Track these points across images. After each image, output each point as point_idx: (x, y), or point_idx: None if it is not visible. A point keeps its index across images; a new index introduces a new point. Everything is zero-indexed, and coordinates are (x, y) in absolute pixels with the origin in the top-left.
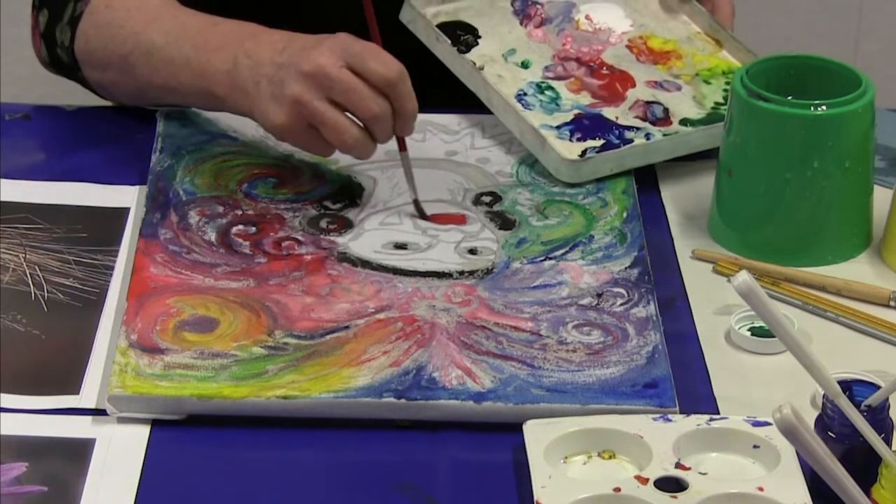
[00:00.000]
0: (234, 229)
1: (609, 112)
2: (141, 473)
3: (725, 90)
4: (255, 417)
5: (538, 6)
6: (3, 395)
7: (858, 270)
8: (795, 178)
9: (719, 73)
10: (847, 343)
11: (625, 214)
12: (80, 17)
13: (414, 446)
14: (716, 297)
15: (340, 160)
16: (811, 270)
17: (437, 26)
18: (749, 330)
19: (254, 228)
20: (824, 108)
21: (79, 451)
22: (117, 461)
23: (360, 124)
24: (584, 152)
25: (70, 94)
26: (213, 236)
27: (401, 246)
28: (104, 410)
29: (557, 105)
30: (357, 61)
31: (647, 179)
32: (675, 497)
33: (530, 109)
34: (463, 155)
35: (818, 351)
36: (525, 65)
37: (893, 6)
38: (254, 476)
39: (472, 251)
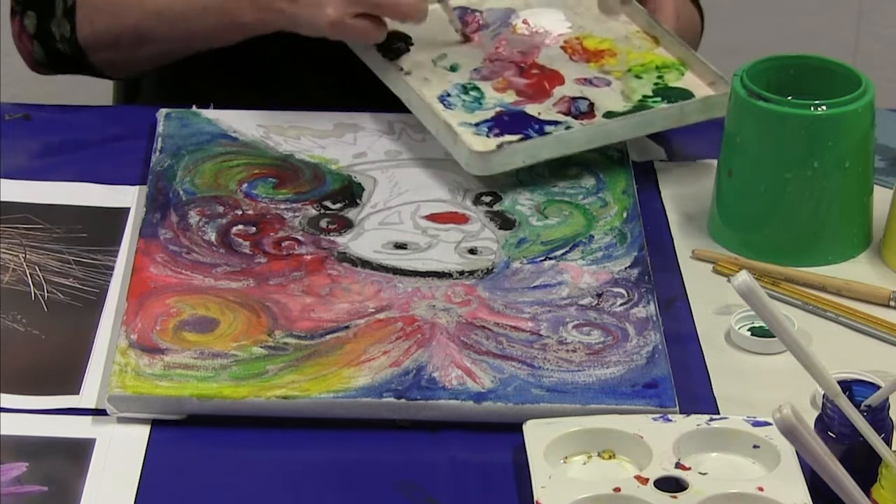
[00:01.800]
0: (234, 229)
1: (532, 109)
2: (141, 473)
3: (656, 83)
4: (255, 417)
5: (476, 13)
6: (3, 395)
7: (858, 270)
8: (795, 178)
9: (652, 68)
10: (847, 343)
11: (625, 214)
12: (73, 6)
13: (414, 446)
14: (716, 297)
15: (340, 160)
16: (811, 270)
17: None
18: (749, 330)
19: (254, 228)
20: (824, 108)
21: (79, 451)
22: (117, 461)
23: None
24: (500, 147)
25: (70, 94)
26: (213, 236)
27: (401, 246)
28: (104, 410)
29: (480, 104)
30: None
31: (647, 179)
32: (675, 497)
33: (451, 109)
34: None
35: (818, 351)
36: (453, 68)
37: (893, 6)
38: (254, 476)
39: (472, 251)
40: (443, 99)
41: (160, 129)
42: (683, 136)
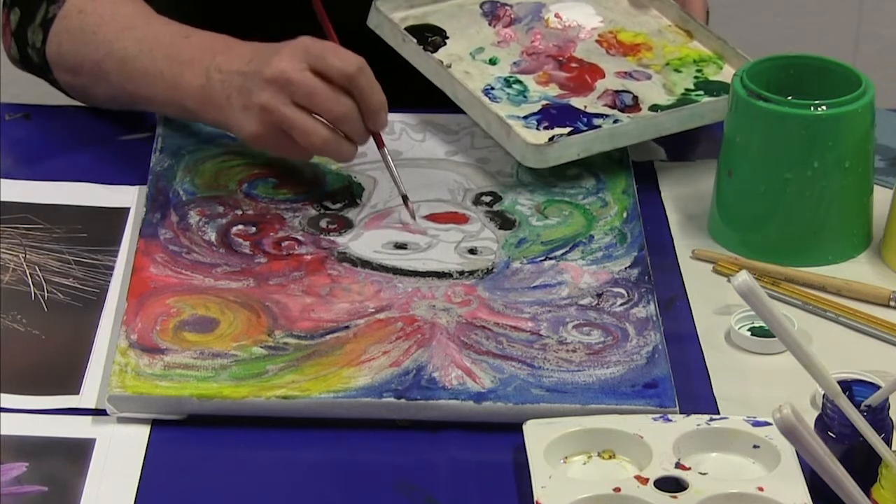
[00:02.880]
0: (234, 229)
1: (577, 102)
2: (141, 473)
3: (696, 77)
4: (255, 417)
5: (507, 7)
6: (2, 395)
7: (858, 270)
8: (795, 178)
9: (690, 62)
10: (847, 343)
11: (625, 214)
12: (52, 19)
13: (414, 446)
14: (716, 297)
15: None
16: (811, 270)
17: (405, 29)
18: (749, 330)
19: (254, 228)
20: (824, 108)
21: (79, 451)
22: (117, 461)
23: (331, 126)
24: (551, 139)
25: None
26: (213, 236)
27: (401, 246)
28: (104, 410)
29: (525, 97)
30: (317, 61)
31: (647, 179)
32: (675, 497)
33: (497, 102)
34: (463, 155)
35: (818, 351)
36: (493, 61)
37: (893, 6)
38: (254, 476)
39: (472, 251)
40: (487, 92)
41: (160, 128)
42: (683, 135)
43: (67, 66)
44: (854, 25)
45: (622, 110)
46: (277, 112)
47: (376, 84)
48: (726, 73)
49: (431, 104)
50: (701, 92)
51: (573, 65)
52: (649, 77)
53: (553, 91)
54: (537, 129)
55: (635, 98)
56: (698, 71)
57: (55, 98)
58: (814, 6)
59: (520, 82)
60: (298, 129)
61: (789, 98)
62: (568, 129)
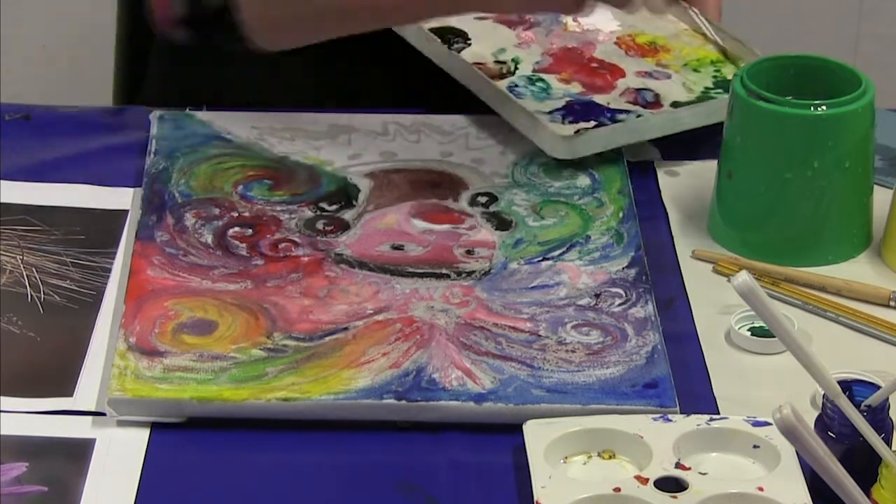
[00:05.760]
0: (231, 231)
1: (600, 98)
2: (141, 475)
3: (714, 76)
4: (255, 419)
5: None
6: None
7: (858, 270)
8: (795, 178)
9: (707, 63)
10: (847, 343)
11: (621, 214)
12: None
13: (414, 447)
14: (716, 297)
15: (335, 161)
16: (811, 270)
17: (429, 32)
18: (749, 330)
19: (250, 230)
20: (824, 108)
21: (79, 452)
22: (117, 462)
23: None
24: (579, 132)
25: (70, 95)
26: (209, 238)
27: (398, 247)
28: (103, 412)
29: (548, 94)
30: None
31: (646, 179)
32: (675, 497)
33: (521, 98)
34: (458, 156)
35: (818, 351)
36: (515, 61)
37: (893, 6)
38: (254, 478)
39: (470, 252)
40: (511, 89)
41: (154, 131)
42: (683, 136)
43: None
44: (854, 25)
45: (644, 107)
46: None
47: None
48: None
49: (431, 104)
50: (720, 90)
51: (593, 65)
52: (669, 76)
53: (575, 89)
54: (563, 123)
55: (656, 95)
56: (716, 71)
57: (55, 98)
58: (814, 6)
59: (543, 80)
60: None
61: (789, 98)
62: (593, 123)
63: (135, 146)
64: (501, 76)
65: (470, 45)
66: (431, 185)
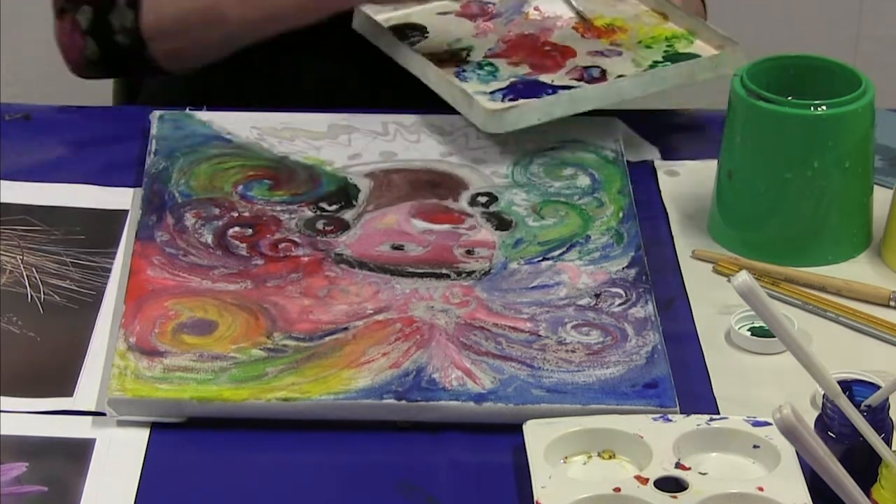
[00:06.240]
0: (231, 231)
1: (546, 78)
2: (141, 474)
3: (666, 51)
4: (255, 419)
5: (489, 5)
6: None
7: (858, 270)
8: (795, 178)
9: (661, 39)
10: (847, 343)
11: (621, 214)
12: None
13: (414, 447)
14: (716, 297)
15: (335, 161)
16: (811, 270)
17: (389, 28)
18: (749, 330)
19: (250, 230)
20: (824, 108)
21: (79, 452)
22: (117, 461)
23: None
24: (514, 106)
25: (70, 95)
26: (209, 238)
27: (398, 247)
28: (103, 412)
29: (494, 76)
30: None
31: (646, 179)
32: (675, 497)
33: (466, 81)
34: (458, 156)
35: (818, 351)
36: (468, 49)
37: (893, 6)
38: (254, 478)
39: (470, 252)
40: (458, 74)
41: (154, 131)
42: (683, 136)
43: (170, 29)
44: (854, 25)
45: (589, 82)
46: None
47: None
48: (696, 47)
49: (431, 105)
50: (668, 63)
51: (546, 48)
52: (619, 54)
53: (523, 70)
54: (502, 101)
55: (603, 72)
56: (669, 46)
57: (55, 98)
58: (814, 6)
59: (491, 64)
60: None
61: (789, 98)
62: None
63: (135, 146)
64: (453, 64)
65: (427, 37)
66: (431, 185)
